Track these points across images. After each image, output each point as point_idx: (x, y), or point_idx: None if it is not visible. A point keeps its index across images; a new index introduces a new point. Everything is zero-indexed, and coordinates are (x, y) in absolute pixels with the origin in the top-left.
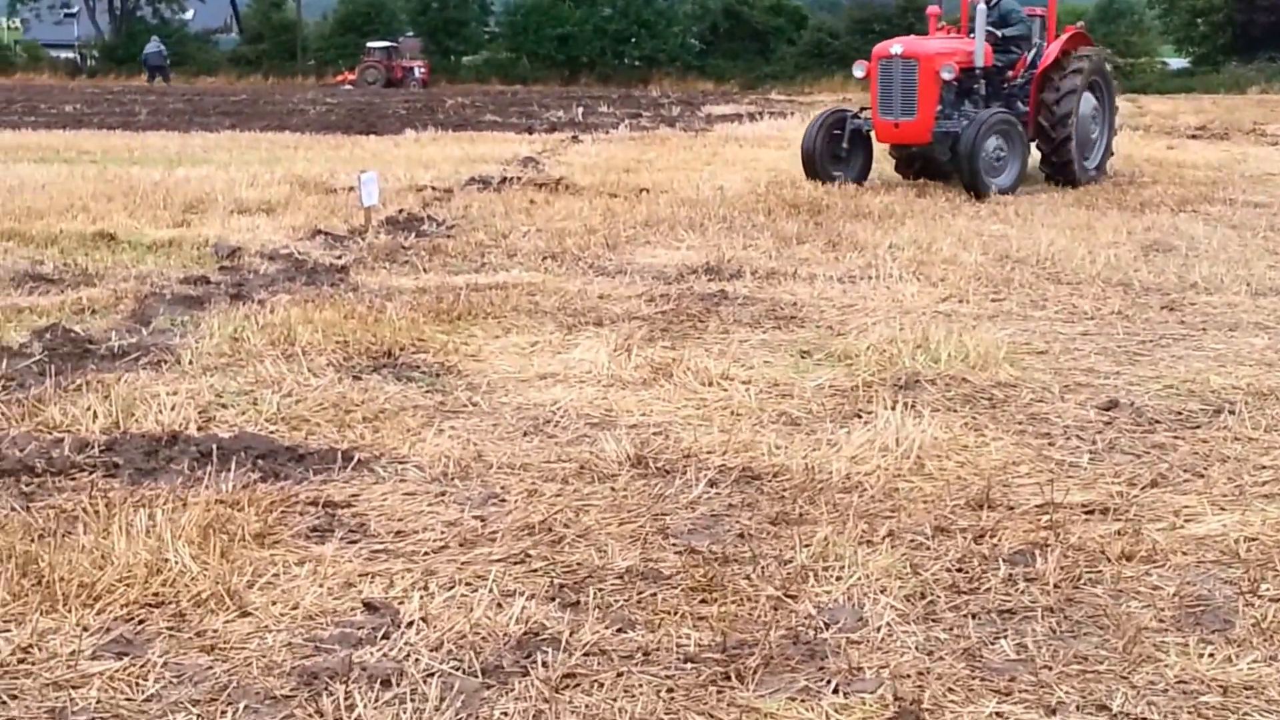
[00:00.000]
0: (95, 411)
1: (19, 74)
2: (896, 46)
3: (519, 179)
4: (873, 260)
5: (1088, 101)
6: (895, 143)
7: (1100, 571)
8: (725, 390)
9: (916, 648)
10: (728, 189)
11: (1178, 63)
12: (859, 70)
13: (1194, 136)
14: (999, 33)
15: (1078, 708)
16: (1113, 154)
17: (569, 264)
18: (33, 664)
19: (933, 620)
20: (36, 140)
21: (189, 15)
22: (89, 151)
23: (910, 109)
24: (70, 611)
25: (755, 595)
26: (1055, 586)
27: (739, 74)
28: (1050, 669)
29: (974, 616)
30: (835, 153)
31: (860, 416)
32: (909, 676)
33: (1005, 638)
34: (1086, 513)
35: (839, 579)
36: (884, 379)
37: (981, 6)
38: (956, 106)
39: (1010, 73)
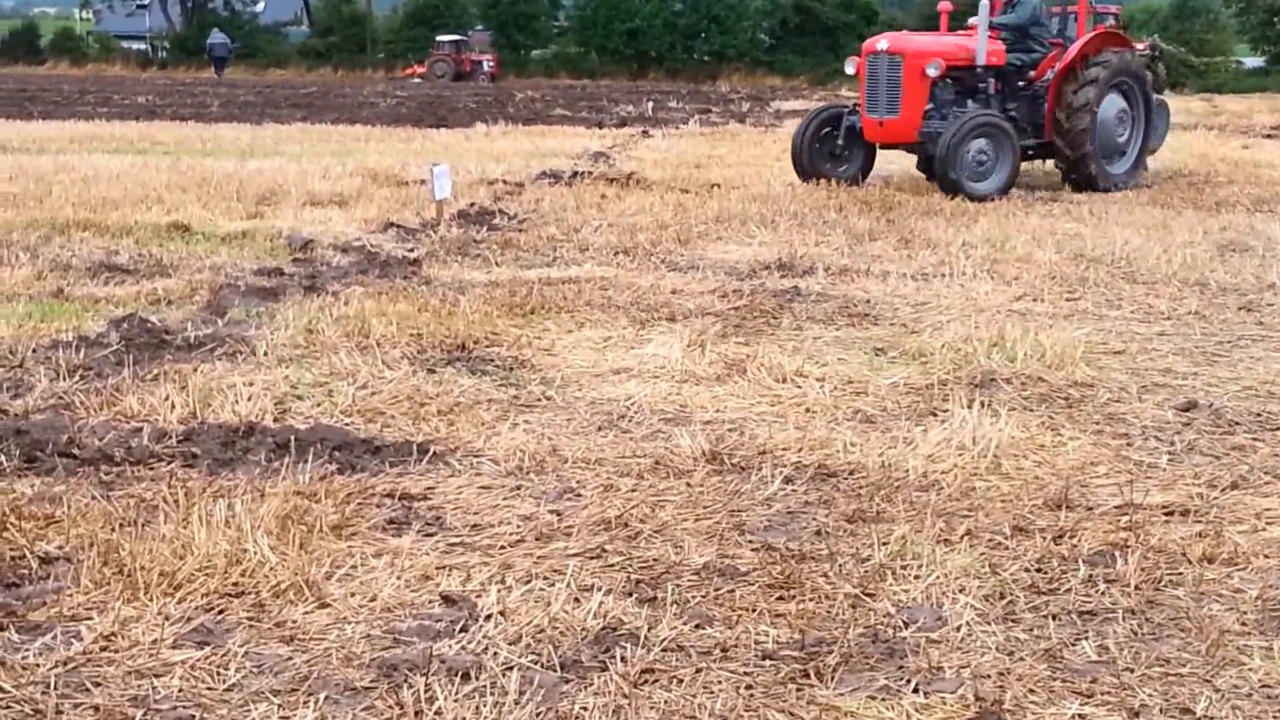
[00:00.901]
0: (173, 401)
1: (91, 65)
2: (883, 42)
3: (590, 173)
4: (946, 258)
5: (1114, 105)
6: (882, 142)
7: (1181, 574)
8: (799, 387)
9: (997, 648)
10: (799, 185)
11: (1253, 61)
12: (850, 67)
13: (1269, 136)
14: (989, 20)
15: (1161, 711)
16: (1147, 168)
17: (641, 259)
18: (115, 652)
19: (1012, 620)
20: (110, 131)
21: (259, 8)
22: (162, 143)
23: (894, 107)
24: (152, 600)
25: (833, 593)
26: (1136, 588)
27: (809, 70)
28: (1132, 671)
29: (1054, 617)
30: (833, 150)
31: (936, 415)
32: (989, 677)
33: (1086, 639)
34: (1166, 514)
35: (917, 578)
36: (959, 377)
37: (985, 2)
38: (954, 106)
39: (1033, 72)
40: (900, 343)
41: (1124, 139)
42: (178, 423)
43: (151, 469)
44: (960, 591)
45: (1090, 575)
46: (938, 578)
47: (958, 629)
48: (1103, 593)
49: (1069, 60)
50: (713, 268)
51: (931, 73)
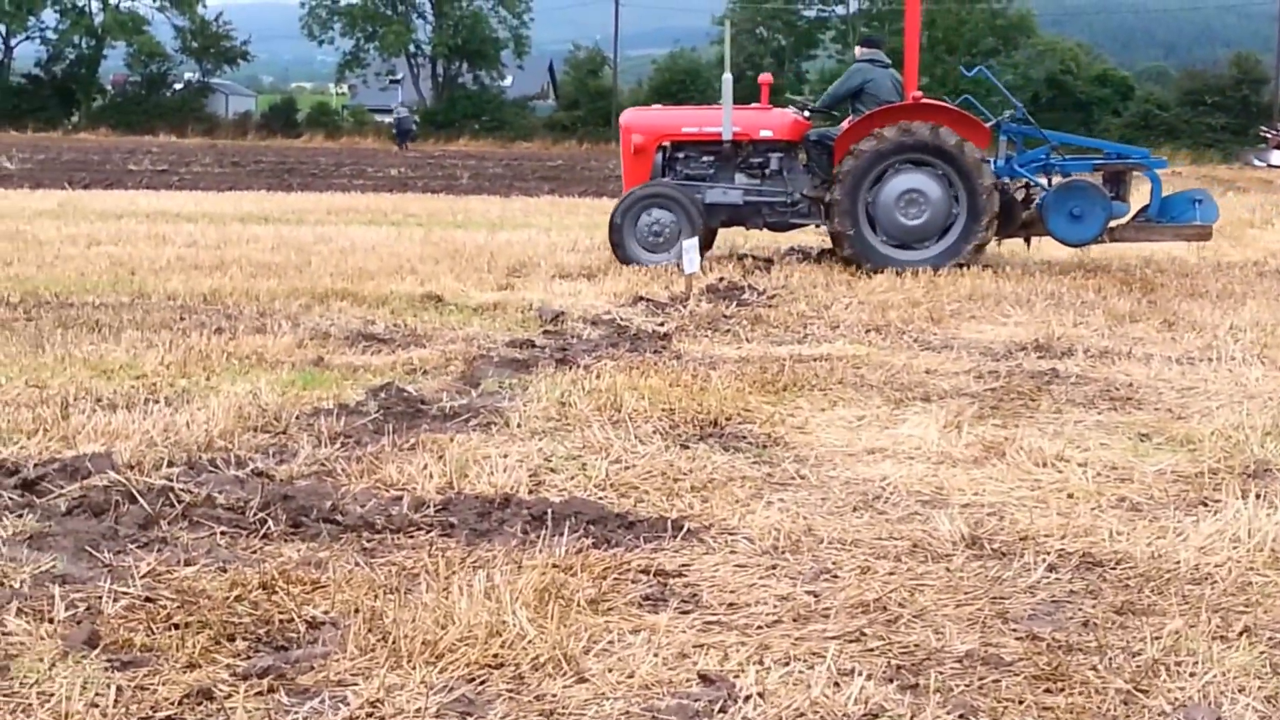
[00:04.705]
0: (430, 471)
1: (345, 138)
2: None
3: None
4: (1212, 341)
5: (902, 183)
6: None
7: None
8: (1060, 472)
9: None
10: (1054, 263)
11: None
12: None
13: None
14: (809, 100)
15: None
16: (980, 253)
17: (893, 337)
18: (381, 719)
19: None
20: (365, 203)
21: (508, 82)
22: (414, 214)
23: (624, 179)
24: (415, 668)
25: (1103, 688)
26: None
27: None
28: None
29: None
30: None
31: (1206, 505)
32: None
33: None
34: None
35: (1193, 675)
36: (1231, 466)
37: (727, 76)
38: (706, 181)
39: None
40: (1166, 429)
41: (915, 223)
42: (435, 492)
43: (411, 537)
44: (1240, 691)
45: None
46: (1215, 676)
47: None
48: None
49: (852, 126)
50: (967, 347)
51: (632, 146)
